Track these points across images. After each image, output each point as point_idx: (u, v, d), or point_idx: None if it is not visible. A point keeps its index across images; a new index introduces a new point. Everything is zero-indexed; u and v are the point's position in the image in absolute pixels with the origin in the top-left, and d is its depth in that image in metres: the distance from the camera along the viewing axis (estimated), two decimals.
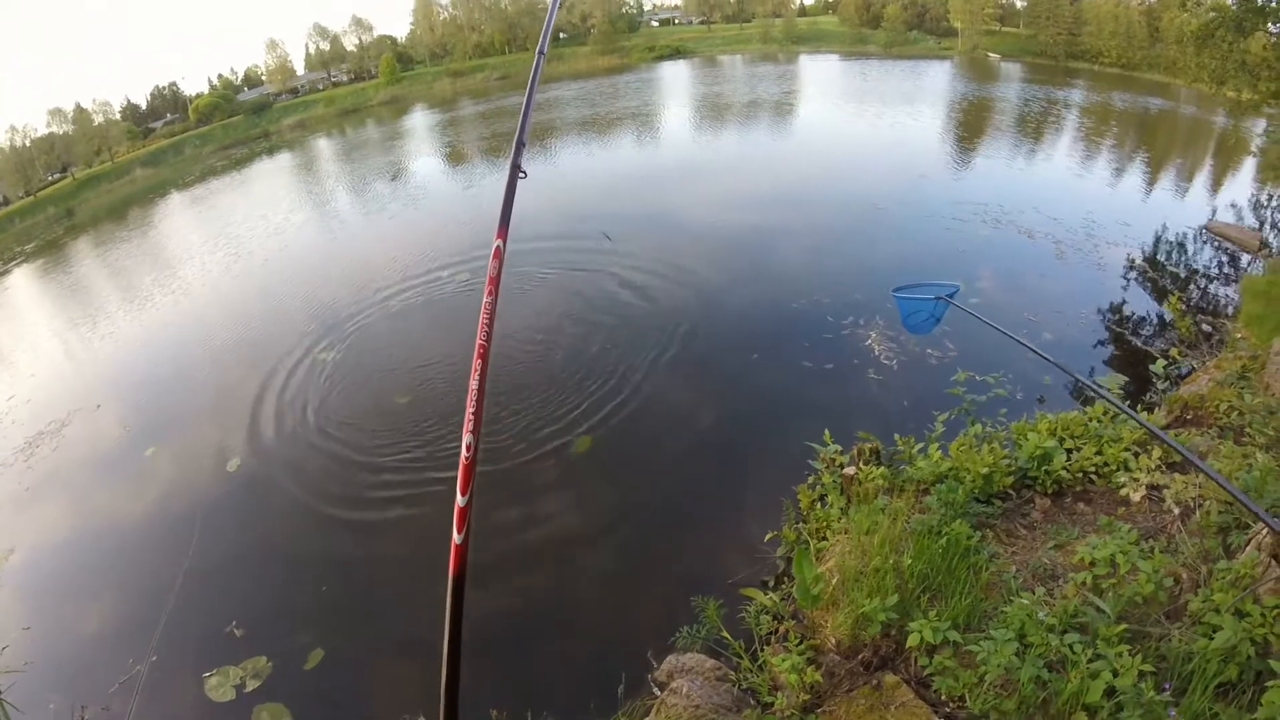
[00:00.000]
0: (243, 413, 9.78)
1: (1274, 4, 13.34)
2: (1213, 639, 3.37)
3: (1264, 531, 3.84)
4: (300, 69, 67.27)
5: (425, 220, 19.15)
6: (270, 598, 6.54)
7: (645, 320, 10.99)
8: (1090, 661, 3.31)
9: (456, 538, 1.05)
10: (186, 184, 32.85)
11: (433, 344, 10.78)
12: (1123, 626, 3.51)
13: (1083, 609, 3.73)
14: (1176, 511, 4.80)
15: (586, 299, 11.87)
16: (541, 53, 2.03)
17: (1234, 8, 14.29)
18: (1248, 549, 3.87)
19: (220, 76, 64.45)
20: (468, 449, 1.08)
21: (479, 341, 1.19)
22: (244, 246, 19.37)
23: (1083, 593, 3.86)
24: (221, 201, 28.37)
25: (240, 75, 65.98)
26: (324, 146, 38.53)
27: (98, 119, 48.77)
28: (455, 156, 28.42)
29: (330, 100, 59.59)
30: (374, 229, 19.18)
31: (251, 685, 5.52)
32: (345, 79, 68.28)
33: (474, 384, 1.15)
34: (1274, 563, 3.62)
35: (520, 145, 1.66)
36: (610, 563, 6.42)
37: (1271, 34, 14.32)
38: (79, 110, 47.76)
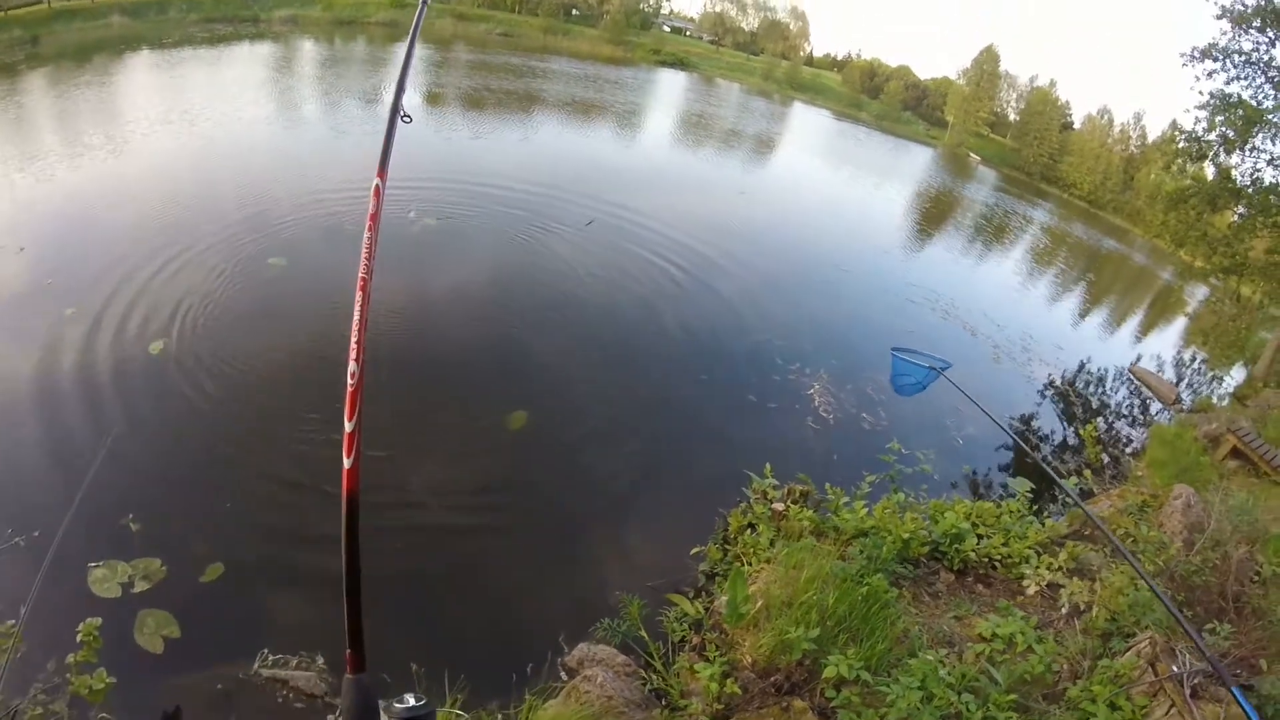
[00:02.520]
0: (172, 297, 9.19)
1: (1249, 189, 14.59)
2: None
3: (1145, 642, 4.32)
4: None
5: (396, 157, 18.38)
6: (174, 500, 6.14)
7: (594, 322, 10.94)
8: None
9: (346, 462, 1.14)
10: (162, 45, 30.62)
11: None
12: (1013, 696, 3.87)
13: (978, 676, 4.08)
14: (1065, 610, 5.27)
15: (535, 292, 11.50)
16: (425, 2, 2.08)
17: (1212, 182, 15.56)
18: (1128, 653, 4.33)
19: None
20: (352, 376, 1.16)
21: (360, 275, 1.28)
22: (204, 127, 18.16)
23: (981, 662, 4.22)
24: (193, 74, 26.67)
25: None
26: (309, 50, 36.76)
27: None
28: (435, 99, 27.64)
29: (329, 4, 56.93)
30: (335, 148, 18.36)
31: (140, 586, 5.16)
32: None
33: (356, 315, 1.23)
34: (1150, 669, 4.08)
35: (401, 90, 1.71)
36: (534, 543, 6.41)
37: (1237, 215, 15.67)
38: None
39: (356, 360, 1.16)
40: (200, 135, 17.41)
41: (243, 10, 43.12)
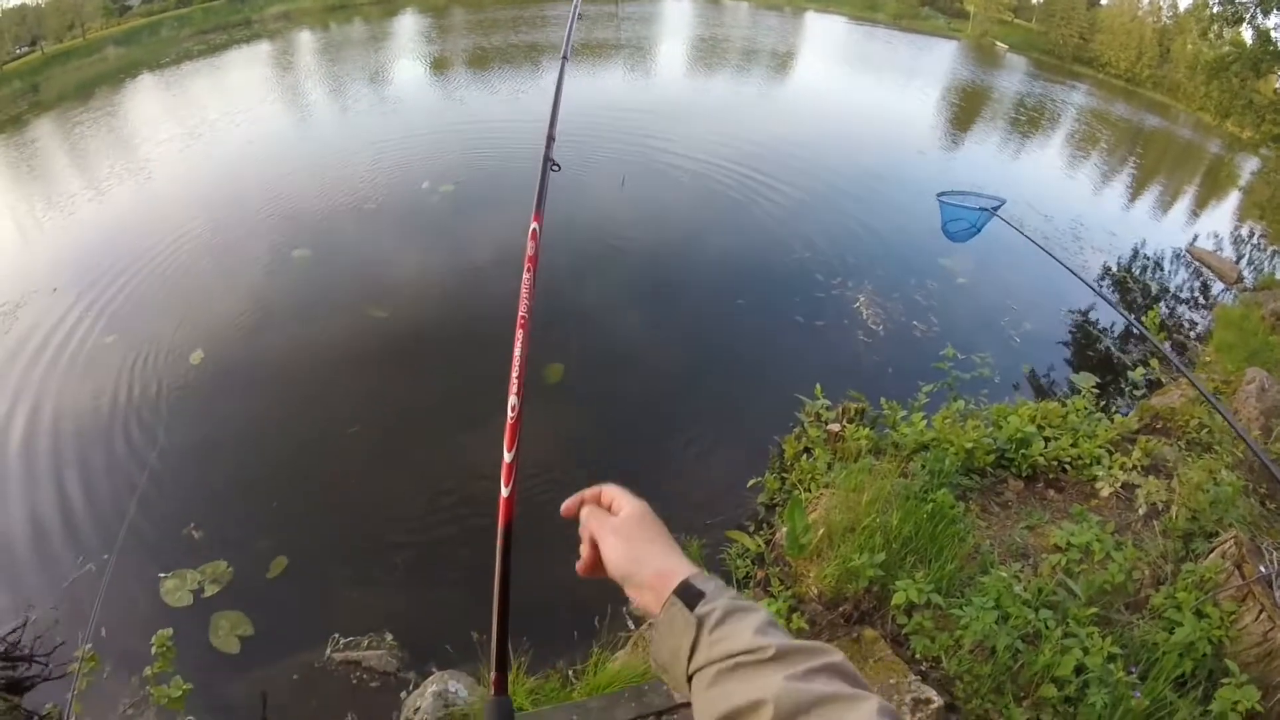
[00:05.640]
0: (206, 306, 9.36)
1: None
2: (1172, 634, 3.54)
3: (1230, 542, 4.02)
4: None
5: (400, 129, 17.76)
6: (232, 501, 6.28)
7: (630, 253, 10.73)
8: (1062, 638, 3.44)
9: (504, 490, 1.17)
10: (160, 66, 30.70)
11: (413, 254, 10.46)
12: (1093, 610, 3.65)
13: (1055, 589, 3.87)
14: (1143, 512, 4.98)
15: (557, 226, 11.36)
16: (565, 57, 2.29)
17: (1253, 47, 14.43)
18: (1212, 555, 4.04)
19: None
20: (513, 409, 1.22)
21: (520, 314, 1.31)
22: (215, 138, 18.18)
23: (1057, 573, 4.00)
24: (195, 87, 26.72)
25: None
26: (306, 40, 36.39)
27: None
28: (440, 65, 27.18)
29: None
30: (349, 133, 18.16)
31: (210, 590, 5.29)
32: None
33: (517, 352, 1.28)
34: (1237, 572, 3.79)
35: (550, 140, 1.91)
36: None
37: None
38: None
39: (517, 394, 1.24)
40: (205, 149, 17.46)
41: (233, 15, 43.07)
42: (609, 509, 1.04)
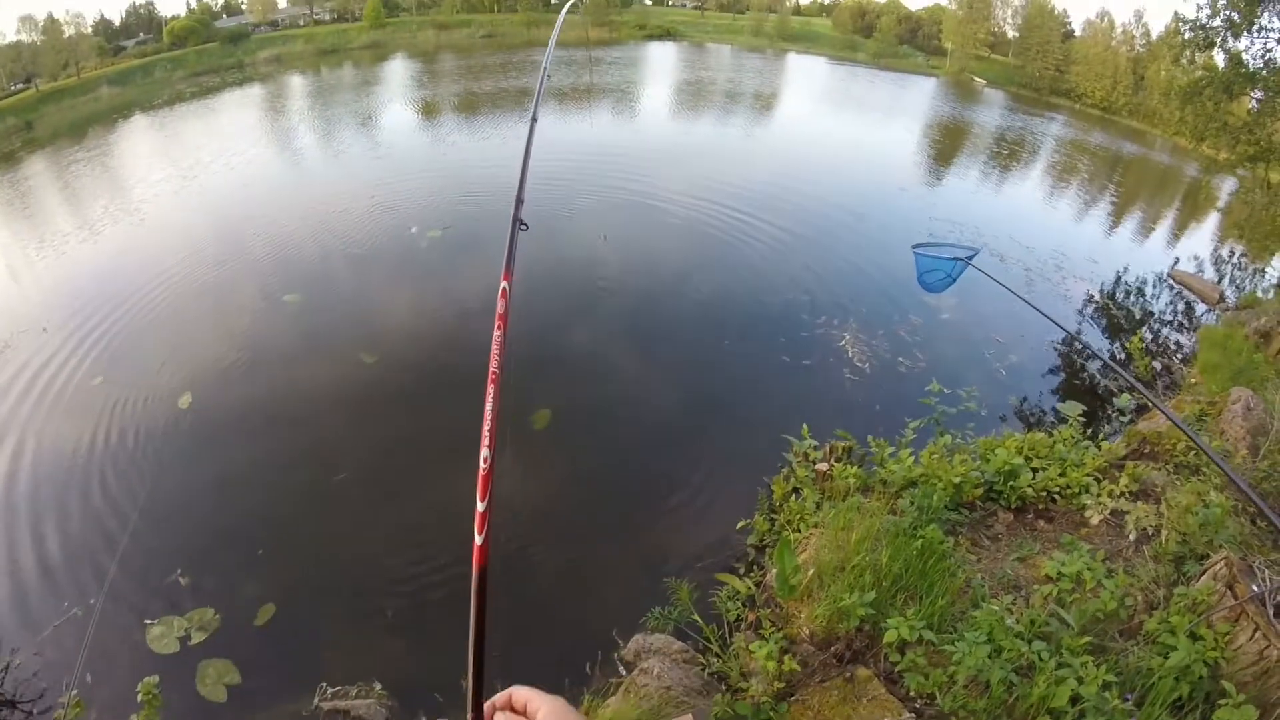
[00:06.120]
0: (197, 348, 9.39)
1: (1264, 71, 13.88)
2: (1167, 658, 3.53)
3: (1220, 563, 4.04)
4: (283, 2, 64.96)
5: (390, 174, 18.15)
6: (219, 548, 6.21)
7: (616, 297, 10.88)
8: (1056, 669, 3.43)
9: (478, 539, 1.19)
10: (153, 107, 31.21)
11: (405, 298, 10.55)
12: (1086, 638, 3.65)
13: (1048, 619, 3.86)
14: (1133, 537, 4.99)
15: (545, 271, 11.40)
16: (534, 119, 2.33)
17: (1224, 70, 14.84)
18: (1204, 577, 4.05)
19: (199, 0, 61.65)
20: (484, 461, 1.26)
21: (491, 369, 1.36)
22: (206, 179, 18.44)
23: (1049, 604, 4.00)
24: (187, 129, 27.02)
25: (220, 1, 63.25)
26: (298, 84, 37.06)
27: (69, 31, 46.32)
28: (430, 110, 27.70)
29: (310, 38, 57.36)
30: (339, 177, 18.38)
31: (197, 638, 5.25)
32: (328, 18, 66.05)
33: (489, 406, 1.32)
34: (1229, 592, 3.81)
35: (519, 202, 1.96)
36: (575, 541, 6.31)
37: (1254, 100, 15.00)
38: (50, 20, 45.34)
39: (490, 447, 1.29)
40: (196, 189, 17.65)
41: (226, 59, 43.85)
42: (524, 713, 1.00)
